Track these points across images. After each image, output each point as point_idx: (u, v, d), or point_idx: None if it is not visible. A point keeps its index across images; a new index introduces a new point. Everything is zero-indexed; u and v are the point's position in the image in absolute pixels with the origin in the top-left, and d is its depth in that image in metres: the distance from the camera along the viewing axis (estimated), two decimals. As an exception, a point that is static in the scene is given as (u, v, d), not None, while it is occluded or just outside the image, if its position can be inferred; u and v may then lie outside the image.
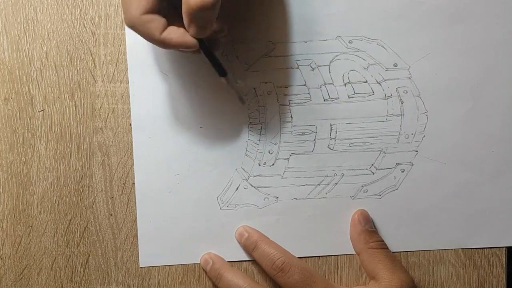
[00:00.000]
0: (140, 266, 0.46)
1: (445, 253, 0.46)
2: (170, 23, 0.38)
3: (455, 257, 0.46)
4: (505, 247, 0.46)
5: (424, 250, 0.46)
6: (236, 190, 0.46)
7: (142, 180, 0.45)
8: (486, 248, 0.46)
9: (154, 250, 0.46)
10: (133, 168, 0.46)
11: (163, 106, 0.45)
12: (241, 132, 0.45)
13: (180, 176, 0.46)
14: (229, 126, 0.45)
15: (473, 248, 0.46)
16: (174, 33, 0.38)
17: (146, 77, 0.45)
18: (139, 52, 0.45)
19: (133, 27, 0.38)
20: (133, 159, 0.46)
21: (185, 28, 0.38)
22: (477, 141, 0.45)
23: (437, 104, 0.45)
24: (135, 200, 0.46)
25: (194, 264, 0.46)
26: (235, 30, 0.45)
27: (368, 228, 0.44)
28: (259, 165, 0.46)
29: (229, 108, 0.45)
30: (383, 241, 0.45)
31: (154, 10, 0.37)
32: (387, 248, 0.44)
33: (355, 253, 0.46)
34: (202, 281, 0.46)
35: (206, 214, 0.46)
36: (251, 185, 0.46)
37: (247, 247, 0.45)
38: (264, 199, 0.46)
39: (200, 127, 0.46)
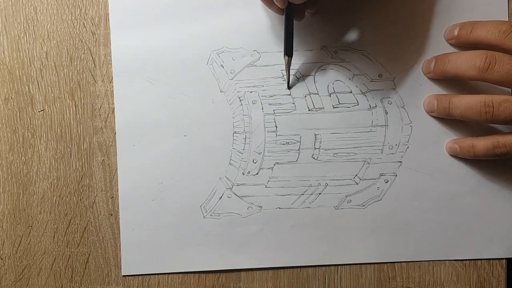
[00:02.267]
0: (122, 274, 0.46)
1: (444, 253, 0.46)
2: None
3: (455, 256, 0.46)
4: (491, 259, 0.46)
5: (409, 262, 0.46)
6: (219, 199, 0.46)
7: (125, 187, 0.45)
8: (468, 260, 0.46)
9: (137, 259, 0.46)
10: (133, 168, 0.46)
11: (148, 114, 0.45)
12: (225, 141, 0.45)
13: (163, 184, 0.45)
14: (214, 135, 0.45)
15: (456, 260, 0.46)
16: None
17: (131, 84, 0.45)
18: (124, 59, 0.45)
19: None
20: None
21: None
22: (461, 152, 0.45)
23: (421, 115, 0.45)
24: (119, 207, 0.45)
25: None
26: (221, 38, 0.45)
27: None
28: (243, 174, 0.46)
29: (214, 117, 0.45)
30: None
31: None
32: None
33: (339, 263, 0.46)
34: (202, 281, 0.46)
35: (189, 223, 0.46)
36: (235, 194, 0.46)
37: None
38: (247, 208, 0.46)
39: (185, 136, 0.45)
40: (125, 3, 0.45)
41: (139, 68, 0.45)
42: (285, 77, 0.45)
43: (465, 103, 0.42)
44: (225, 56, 0.45)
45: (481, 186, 0.45)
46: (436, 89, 0.45)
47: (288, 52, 0.43)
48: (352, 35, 0.45)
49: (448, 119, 0.45)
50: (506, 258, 0.46)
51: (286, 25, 0.42)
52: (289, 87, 0.45)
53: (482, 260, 0.46)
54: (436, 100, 0.44)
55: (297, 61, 0.45)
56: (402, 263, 0.46)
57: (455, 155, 0.45)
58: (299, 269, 0.46)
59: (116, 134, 0.45)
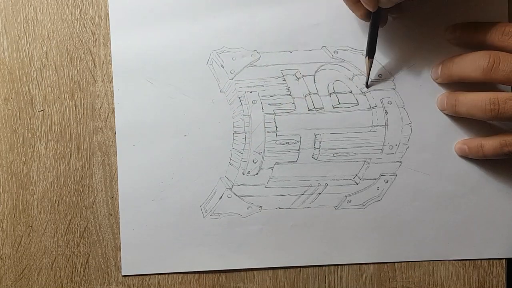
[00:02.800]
0: (122, 274, 0.46)
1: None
2: None
3: (455, 256, 0.46)
4: (491, 259, 0.46)
5: (409, 262, 0.46)
6: (219, 199, 0.46)
7: (125, 187, 0.45)
8: (468, 260, 0.46)
9: (137, 259, 0.46)
10: (134, 167, 0.46)
11: (148, 114, 0.45)
12: (225, 141, 0.45)
13: (163, 184, 0.45)
14: (214, 135, 0.45)
15: (456, 260, 0.46)
16: None
17: (131, 84, 0.45)
18: (124, 59, 0.45)
19: None
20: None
21: None
22: (461, 152, 0.45)
23: (422, 115, 0.45)
24: (119, 207, 0.45)
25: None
26: (221, 38, 0.45)
27: None
28: (243, 174, 0.46)
29: (214, 117, 0.45)
30: None
31: None
32: None
33: (339, 263, 0.46)
34: (202, 281, 0.46)
35: (189, 223, 0.46)
36: (234, 194, 0.46)
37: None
38: (247, 208, 0.46)
39: (185, 136, 0.45)
40: (125, 3, 0.45)
41: (139, 68, 0.45)
42: (365, 77, 0.45)
43: (471, 100, 0.42)
44: (225, 56, 0.45)
45: (481, 186, 0.45)
46: (437, 89, 0.45)
47: (370, 53, 0.43)
48: (352, 35, 0.45)
49: (453, 117, 0.45)
50: (506, 258, 0.46)
51: (371, 29, 0.42)
52: (367, 86, 0.45)
53: (482, 260, 0.46)
54: (446, 98, 0.44)
55: (297, 61, 0.45)
56: (402, 263, 0.46)
57: (465, 156, 0.45)
58: (299, 269, 0.46)
59: (116, 134, 0.45)
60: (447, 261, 0.46)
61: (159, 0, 0.45)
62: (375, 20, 0.42)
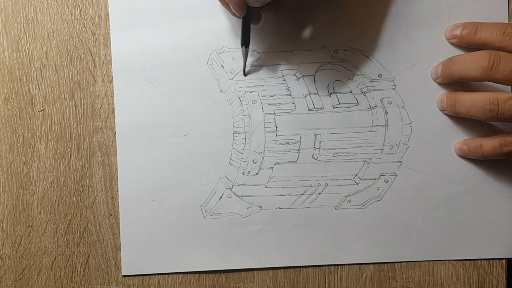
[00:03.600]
0: (122, 275, 0.46)
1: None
2: None
3: (455, 256, 0.46)
4: (491, 259, 0.46)
5: (409, 262, 0.46)
6: (220, 199, 0.46)
7: (125, 188, 0.45)
8: (468, 260, 0.46)
9: (137, 259, 0.46)
10: (133, 168, 0.45)
11: (148, 114, 0.45)
12: (225, 141, 0.45)
13: (164, 184, 0.45)
14: (214, 135, 0.45)
15: (456, 260, 0.46)
16: None
17: (131, 84, 0.45)
18: (124, 59, 0.45)
19: None
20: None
21: None
22: (461, 152, 0.45)
23: (422, 115, 0.45)
24: (119, 207, 0.45)
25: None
26: (222, 38, 0.45)
27: None
28: (243, 174, 0.46)
29: (214, 117, 0.45)
30: None
31: None
32: None
33: (339, 263, 0.46)
34: (202, 281, 0.46)
35: (189, 223, 0.46)
36: (235, 194, 0.46)
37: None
38: (247, 208, 0.46)
39: (185, 136, 0.45)
40: (125, 3, 0.45)
41: (139, 68, 0.45)
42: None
43: (470, 100, 0.42)
44: (225, 56, 0.45)
45: (481, 186, 0.45)
46: (437, 89, 0.45)
47: (245, 42, 0.43)
48: (352, 35, 0.45)
49: (453, 117, 0.45)
50: (506, 258, 0.46)
51: (243, 25, 0.43)
52: (245, 75, 0.45)
53: (482, 260, 0.46)
54: (445, 98, 0.44)
55: (297, 61, 0.45)
56: (402, 263, 0.46)
57: (464, 156, 0.45)
58: (299, 269, 0.46)
59: (116, 134, 0.45)
60: (447, 261, 0.46)
61: (159, 0, 0.45)
62: (247, 18, 0.42)
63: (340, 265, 0.46)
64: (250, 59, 0.45)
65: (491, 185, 0.45)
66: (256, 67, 0.45)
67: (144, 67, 0.45)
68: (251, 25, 0.43)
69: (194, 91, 0.45)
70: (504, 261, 0.46)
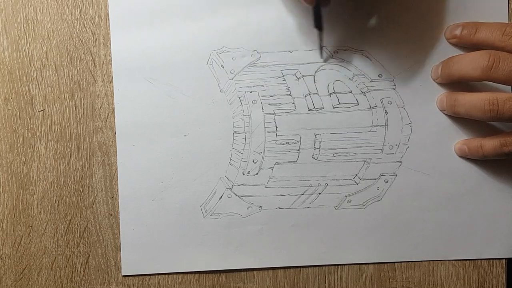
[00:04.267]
0: (122, 275, 0.46)
1: (445, 253, 0.46)
2: None
3: (455, 256, 0.46)
4: (491, 259, 0.46)
5: (409, 262, 0.46)
6: (219, 199, 0.46)
7: (125, 187, 0.45)
8: (468, 260, 0.46)
9: (137, 259, 0.46)
10: (134, 167, 0.45)
11: (148, 114, 0.45)
12: (225, 141, 0.45)
13: (163, 184, 0.45)
14: (214, 135, 0.45)
15: (456, 260, 0.46)
16: None
17: (131, 84, 0.45)
18: (124, 59, 0.45)
19: None
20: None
21: None
22: (461, 152, 0.45)
23: (422, 115, 0.45)
24: (119, 207, 0.45)
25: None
26: (222, 38, 0.45)
27: None
28: (243, 174, 0.46)
29: (214, 117, 0.45)
30: None
31: None
32: None
33: (339, 263, 0.46)
34: (202, 281, 0.46)
35: (189, 223, 0.46)
36: (235, 194, 0.46)
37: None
38: (247, 208, 0.46)
39: (185, 136, 0.45)
40: (125, 3, 0.45)
41: (139, 68, 0.45)
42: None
43: (470, 101, 0.42)
44: (225, 56, 0.45)
45: (481, 186, 0.45)
46: (437, 89, 0.45)
47: (318, 25, 0.43)
48: (352, 35, 0.45)
49: (453, 118, 0.45)
50: (506, 258, 0.46)
51: (314, 9, 0.42)
52: (324, 60, 0.45)
53: (482, 260, 0.46)
54: (445, 98, 0.44)
55: (297, 61, 0.45)
56: (402, 263, 0.46)
57: (464, 156, 0.45)
58: (299, 269, 0.46)
59: (116, 134, 0.45)
60: (447, 261, 0.46)
61: (159, 0, 0.45)
62: (317, 3, 0.42)
63: (340, 265, 0.46)
64: (249, 59, 0.45)
65: (491, 185, 0.45)
66: (256, 67, 0.45)
67: (144, 67, 0.45)
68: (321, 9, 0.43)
69: (194, 91, 0.45)
70: (504, 261, 0.46)
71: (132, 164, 0.45)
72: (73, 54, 0.45)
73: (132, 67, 0.45)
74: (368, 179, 0.46)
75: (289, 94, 0.45)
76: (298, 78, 0.45)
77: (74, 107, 0.46)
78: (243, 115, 0.45)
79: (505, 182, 0.45)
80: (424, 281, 0.46)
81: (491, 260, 0.46)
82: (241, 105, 0.45)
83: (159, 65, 0.45)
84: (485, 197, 0.45)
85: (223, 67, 0.45)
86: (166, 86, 0.45)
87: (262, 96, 0.45)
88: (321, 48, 0.45)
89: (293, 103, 0.45)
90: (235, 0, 0.45)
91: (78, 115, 0.46)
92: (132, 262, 0.46)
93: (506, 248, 0.45)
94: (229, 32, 0.45)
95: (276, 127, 0.45)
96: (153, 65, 0.45)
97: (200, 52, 0.45)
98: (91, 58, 0.45)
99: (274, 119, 0.45)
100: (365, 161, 0.45)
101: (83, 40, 0.45)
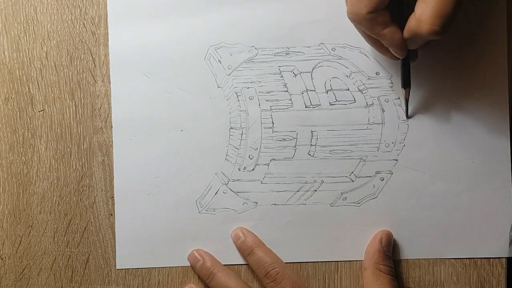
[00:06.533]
0: (117, 268, 0.46)
1: (445, 252, 0.46)
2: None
3: (455, 256, 0.46)
4: (486, 257, 0.46)
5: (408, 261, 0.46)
6: (215, 194, 0.46)
7: (121, 182, 0.45)
8: (466, 258, 0.46)
9: (131, 253, 0.45)
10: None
11: (144, 108, 0.45)
12: (222, 136, 0.45)
13: (159, 179, 0.45)
14: (210, 130, 0.45)
15: (451, 259, 0.46)
16: (395, 35, 0.39)
17: (128, 78, 0.45)
18: (122, 53, 0.45)
19: (358, 23, 0.39)
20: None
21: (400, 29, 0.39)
22: (457, 151, 0.45)
23: (418, 113, 0.45)
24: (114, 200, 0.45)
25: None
26: (220, 34, 0.45)
27: (385, 251, 0.44)
28: (239, 170, 0.46)
29: (211, 112, 0.45)
30: (393, 268, 0.44)
31: (382, 6, 0.38)
32: (394, 277, 0.44)
33: (334, 260, 0.46)
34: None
35: (184, 218, 0.46)
36: (230, 189, 0.46)
37: (242, 251, 0.45)
38: (243, 204, 0.46)
39: (181, 131, 0.45)
40: (123, -3, 0.45)
41: (136, 62, 0.45)
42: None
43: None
44: (223, 51, 0.45)
45: (476, 185, 0.45)
46: (434, 88, 0.45)
47: (405, 84, 0.43)
48: (350, 33, 0.45)
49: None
50: (506, 258, 0.45)
51: (403, 65, 0.43)
52: (407, 117, 0.45)
53: (482, 260, 0.45)
54: (244, 237, 0.45)
55: (294, 58, 0.45)
56: (402, 263, 0.46)
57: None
58: (299, 268, 0.46)
59: (113, 128, 0.45)
60: (447, 261, 0.46)
61: (157, -6, 0.45)
62: (406, 59, 0.42)
63: (339, 264, 0.46)
64: (247, 55, 0.45)
65: (487, 184, 0.45)
66: (254, 63, 0.45)
67: (141, 62, 0.45)
68: (410, 63, 0.43)
69: (191, 86, 0.45)
70: (504, 260, 0.46)
71: (128, 158, 0.45)
72: (73, 54, 0.45)
73: (129, 62, 0.45)
74: (364, 177, 0.46)
75: (286, 91, 0.46)
76: (296, 75, 0.45)
77: (74, 107, 0.46)
78: (240, 110, 0.45)
79: (502, 180, 0.45)
80: (424, 281, 0.46)
81: (491, 260, 0.45)
82: (238, 100, 0.45)
83: (156, 60, 0.45)
84: (480, 196, 0.45)
85: (220, 63, 0.45)
86: (163, 80, 0.45)
87: (259, 92, 0.45)
88: (407, 106, 0.45)
89: (290, 99, 0.45)
90: (233, -5, 0.45)
91: (78, 115, 0.46)
92: (126, 256, 0.45)
93: (501, 247, 0.45)
94: (227, 28, 0.45)
95: (273, 123, 0.45)
96: (150, 60, 0.45)
97: (198, 47, 0.45)
98: (91, 58, 0.45)
99: (271, 115, 0.45)
100: (361, 158, 0.45)
101: (83, 40, 0.45)
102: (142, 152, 0.45)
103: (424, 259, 0.46)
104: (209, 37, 0.45)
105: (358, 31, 0.41)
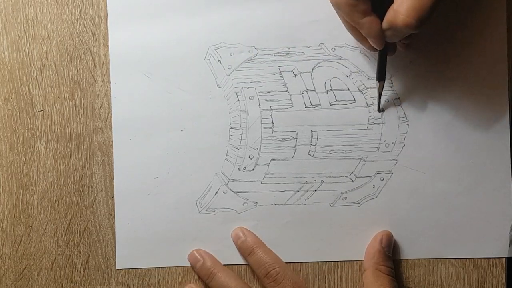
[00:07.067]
0: (117, 268, 0.46)
1: (445, 253, 0.46)
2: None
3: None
4: (486, 258, 0.45)
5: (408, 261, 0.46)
6: (215, 194, 0.46)
7: (121, 182, 0.45)
8: (466, 258, 0.46)
9: (131, 253, 0.46)
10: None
11: (144, 108, 0.45)
12: (221, 136, 0.45)
13: (159, 179, 0.45)
14: (210, 130, 0.45)
15: (451, 259, 0.46)
16: (373, 25, 0.39)
17: (128, 78, 0.45)
18: (122, 53, 0.45)
19: (339, 8, 0.39)
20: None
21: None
22: (457, 151, 0.45)
23: (418, 113, 0.45)
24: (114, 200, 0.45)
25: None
26: (220, 34, 0.45)
27: (386, 251, 0.44)
28: (239, 170, 0.46)
29: (211, 112, 0.45)
30: (393, 269, 0.44)
31: None
32: (394, 278, 0.44)
33: (333, 260, 0.46)
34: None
35: (184, 218, 0.46)
36: (230, 189, 0.46)
37: (243, 251, 0.45)
38: (243, 204, 0.46)
39: (181, 131, 0.45)
40: (123, -3, 0.45)
41: (136, 62, 0.45)
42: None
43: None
44: (223, 51, 0.45)
45: (476, 185, 0.45)
46: (434, 88, 0.45)
47: (381, 77, 0.43)
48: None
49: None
50: (506, 258, 0.45)
51: (380, 58, 0.43)
52: (379, 110, 0.45)
53: (482, 260, 0.45)
54: (244, 237, 0.45)
55: (294, 58, 0.45)
56: (402, 263, 0.46)
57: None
58: (299, 268, 0.46)
59: (113, 128, 0.45)
60: (447, 261, 0.46)
61: (157, -6, 0.45)
62: (384, 51, 0.42)
63: (340, 265, 0.46)
64: (247, 55, 0.45)
65: (486, 184, 0.45)
66: (254, 63, 0.45)
67: (141, 62, 0.45)
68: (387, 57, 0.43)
69: (191, 86, 0.45)
70: (504, 260, 0.46)
71: (128, 158, 0.45)
72: (73, 54, 0.45)
73: (129, 62, 0.45)
74: (364, 177, 0.46)
75: (286, 91, 0.46)
76: (296, 75, 0.45)
77: (74, 107, 0.45)
78: (240, 110, 0.45)
79: (500, 181, 0.45)
80: (424, 281, 0.46)
81: (491, 260, 0.45)
82: (238, 100, 0.45)
83: (156, 60, 0.45)
84: (480, 196, 0.45)
85: (220, 63, 0.45)
86: (163, 80, 0.45)
87: (259, 92, 0.45)
88: (379, 99, 0.45)
89: (290, 99, 0.45)
90: (233, -5, 0.45)
91: (78, 115, 0.46)
92: (126, 256, 0.45)
93: (501, 247, 0.45)
94: (227, 28, 0.45)
95: (273, 123, 0.45)
96: (150, 60, 0.45)
97: (198, 47, 0.45)
98: (91, 58, 0.45)
99: (271, 115, 0.45)
100: (361, 158, 0.45)
101: (83, 40, 0.45)
102: (142, 152, 0.45)
103: (424, 259, 0.46)
104: (209, 37, 0.45)
105: (340, 18, 0.41)
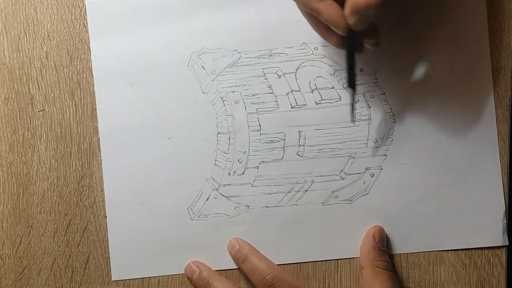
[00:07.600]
0: (113, 279, 0.45)
1: (445, 253, 0.45)
2: None
3: (455, 256, 0.45)
4: (500, 246, 0.45)
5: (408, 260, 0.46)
6: (206, 200, 0.46)
7: (112, 193, 0.45)
8: (460, 249, 0.46)
9: (126, 263, 0.45)
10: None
11: (130, 119, 0.45)
12: (210, 142, 0.45)
13: (150, 188, 0.45)
14: (198, 136, 0.45)
15: (445, 250, 0.46)
16: (332, 9, 0.37)
17: (113, 89, 0.45)
18: (104, 64, 0.45)
19: None
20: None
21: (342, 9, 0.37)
22: (445, 143, 0.45)
23: (404, 108, 0.45)
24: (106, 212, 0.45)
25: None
26: (201, 39, 0.45)
27: (380, 246, 0.44)
28: (229, 174, 0.46)
29: (197, 118, 0.45)
30: (390, 262, 0.44)
31: None
32: (392, 271, 0.44)
33: (328, 259, 0.46)
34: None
35: (177, 225, 0.46)
36: (221, 194, 0.46)
37: (237, 259, 0.45)
38: (235, 208, 0.46)
39: (169, 139, 0.45)
40: (103, 7, 0.45)
41: (120, 73, 0.45)
42: (350, 108, 0.44)
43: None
44: (206, 57, 0.45)
45: (466, 175, 0.45)
46: (419, 82, 0.45)
47: (351, 84, 0.42)
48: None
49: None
50: (506, 258, 0.45)
51: (348, 57, 0.41)
52: (352, 120, 0.45)
53: (482, 260, 0.45)
54: (238, 246, 0.45)
55: (278, 59, 0.45)
56: (402, 263, 0.45)
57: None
58: (299, 268, 0.46)
59: (100, 140, 0.45)
60: (447, 261, 0.45)
61: (137, 3, 0.45)
62: (350, 47, 0.41)
63: (340, 265, 0.46)
64: (230, 59, 0.45)
65: (476, 174, 0.45)
66: (237, 66, 0.45)
67: (125, 72, 0.45)
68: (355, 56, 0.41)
69: (176, 94, 0.45)
70: (504, 261, 0.45)
71: (117, 169, 0.45)
72: (73, 54, 0.45)
73: (113, 72, 0.45)
74: (354, 174, 0.46)
75: (271, 93, 0.46)
76: (280, 76, 0.46)
77: (74, 107, 0.46)
78: (226, 115, 0.45)
79: (490, 170, 0.45)
80: (424, 281, 0.45)
81: (491, 260, 0.45)
82: (224, 105, 0.45)
83: (140, 69, 0.45)
84: (471, 186, 0.45)
85: (204, 68, 0.45)
86: (148, 90, 0.45)
87: (244, 95, 0.45)
88: (352, 109, 0.44)
89: (276, 101, 0.45)
90: (213, 1, 0.45)
91: (78, 115, 0.46)
92: (121, 267, 0.45)
93: (495, 236, 0.45)
94: (209, 33, 0.45)
95: (260, 126, 0.45)
96: (134, 70, 0.45)
97: (181, 54, 0.45)
98: (91, 58, 0.45)
99: (258, 118, 0.45)
100: (350, 156, 0.45)
101: (83, 40, 0.45)
102: (131, 162, 0.45)
103: (424, 259, 0.45)
104: (191, 43, 0.45)
105: (301, 12, 0.40)
